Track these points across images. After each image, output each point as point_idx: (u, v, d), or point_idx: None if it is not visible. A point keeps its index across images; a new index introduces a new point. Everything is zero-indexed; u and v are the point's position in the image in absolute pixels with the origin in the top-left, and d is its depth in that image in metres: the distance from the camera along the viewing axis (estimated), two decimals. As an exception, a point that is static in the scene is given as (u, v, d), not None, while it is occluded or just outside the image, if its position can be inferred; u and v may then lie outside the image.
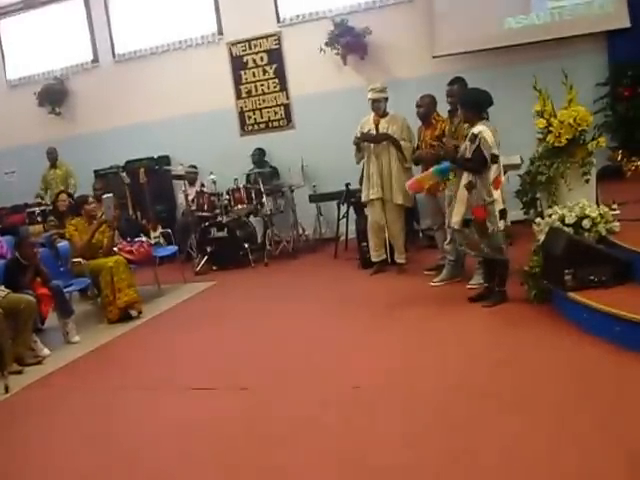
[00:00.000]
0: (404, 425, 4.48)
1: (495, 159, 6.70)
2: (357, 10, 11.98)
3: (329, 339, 6.69)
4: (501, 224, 6.75)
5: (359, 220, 9.86)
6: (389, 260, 9.18)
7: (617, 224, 6.60)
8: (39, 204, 12.04)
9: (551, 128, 7.00)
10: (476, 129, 6.71)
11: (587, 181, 7.01)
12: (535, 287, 6.69)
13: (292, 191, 11.54)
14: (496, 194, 6.69)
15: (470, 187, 6.74)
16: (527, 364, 5.30)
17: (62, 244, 8.91)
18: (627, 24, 10.45)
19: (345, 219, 10.80)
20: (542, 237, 6.70)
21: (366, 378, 5.45)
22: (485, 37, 11.13)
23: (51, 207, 11.06)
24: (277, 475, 4.08)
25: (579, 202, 6.71)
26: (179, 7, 13.15)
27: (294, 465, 4.16)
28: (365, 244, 9.42)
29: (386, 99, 8.87)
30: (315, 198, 11.61)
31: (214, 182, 11.12)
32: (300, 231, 11.78)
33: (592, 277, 5.98)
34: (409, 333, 6.50)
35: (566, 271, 6.01)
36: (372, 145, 8.80)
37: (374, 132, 8.79)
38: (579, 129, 6.95)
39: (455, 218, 6.91)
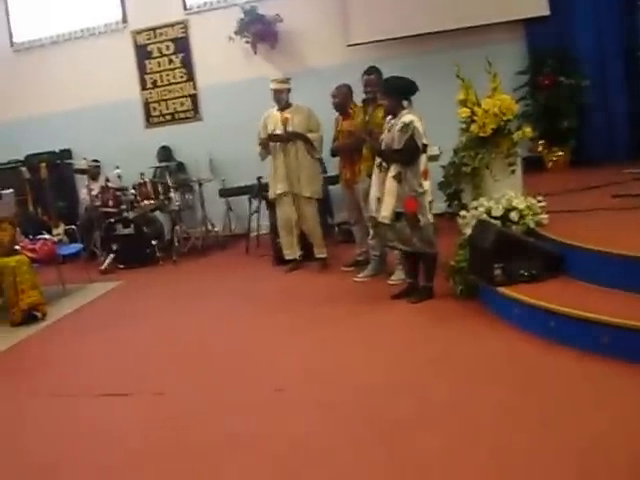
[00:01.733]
0: (328, 430, 4.34)
1: (424, 149, 6.65)
2: (268, -2, 11.72)
3: (248, 340, 6.50)
4: (430, 216, 6.70)
5: (272, 215, 9.66)
6: (302, 258, 9.08)
7: (545, 216, 6.57)
8: None
9: (475, 117, 6.93)
10: (406, 118, 6.61)
11: (513, 172, 6.96)
12: (462, 282, 6.63)
13: (200, 185, 11.23)
14: (426, 185, 6.63)
15: (400, 178, 6.63)
16: (459, 361, 5.22)
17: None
18: (546, 12, 10.53)
19: (257, 214, 10.62)
20: (468, 230, 6.65)
21: (289, 380, 5.30)
22: (401, 24, 11.01)
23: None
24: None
25: (505, 194, 6.69)
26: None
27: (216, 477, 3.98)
28: (279, 240, 9.24)
29: (288, 90, 8.78)
30: (225, 192, 11.38)
31: (119, 176, 10.82)
32: (210, 227, 11.52)
33: (522, 271, 5.93)
34: (334, 331, 6.35)
35: (495, 265, 5.95)
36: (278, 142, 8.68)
37: (280, 130, 8.65)
38: (504, 118, 6.91)
39: (385, 212, 6.76)
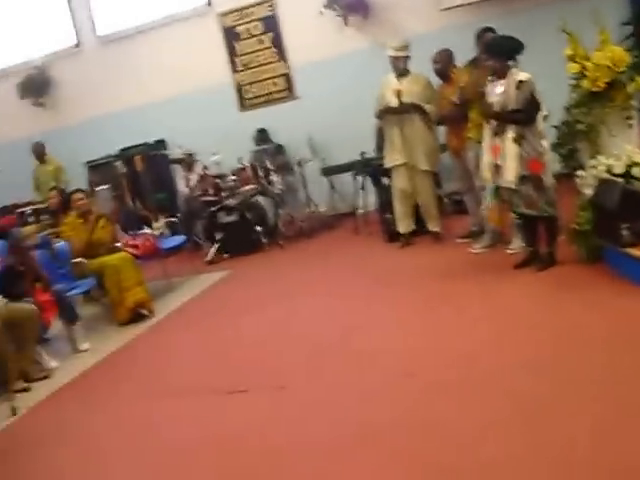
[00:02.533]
0: (475, 415, 4.12)
1: (541, 106, 6.52)
2: (356, -33, 11.58)
3: (369, 322, 6.38)
4: (551, 177, 6.59)
5: (380, 190, 9.57)
6: (414, 232, 8.97)
7: None
8: (29, 203, 11.70)
9: (586, 72, 6.68)
10: (522, 76, 6.50)
11: (630, 126, 6.71)
12: (586, 246, 6.44)
13: (301, 166, 11.26)
14: (544, 144, 6.45)
15: (520, 140, 6.46)
16: (596, 332, 4.99)
17: (60, 244, 8.58)
18: None
19: (362, 191, 10.48)
20: (588, 191, 6.42)
21: (418, 363, 5.13)
22: None
23: (44, 205, 10.71)
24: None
25: (625, 149, 6.42)
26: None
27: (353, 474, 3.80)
28: (389, 215, 9.17)
29: (407, 57, 8.59)
30: (328, 171, 11.34)
31: (218, 163, 10.84)
32: (314, 208, 11.51)
33: (651, 230, 5.69)
34: (457, 308, 6.21)
35: (622, 225, 5.78)
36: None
37: (396, 100, 8.51)
38: (617, 71, 6.62)
39: (510, 177, 6.59)
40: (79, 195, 8.63)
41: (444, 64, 8.19)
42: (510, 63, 6.60)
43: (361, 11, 11.53)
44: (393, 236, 9.17)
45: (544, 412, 3.95)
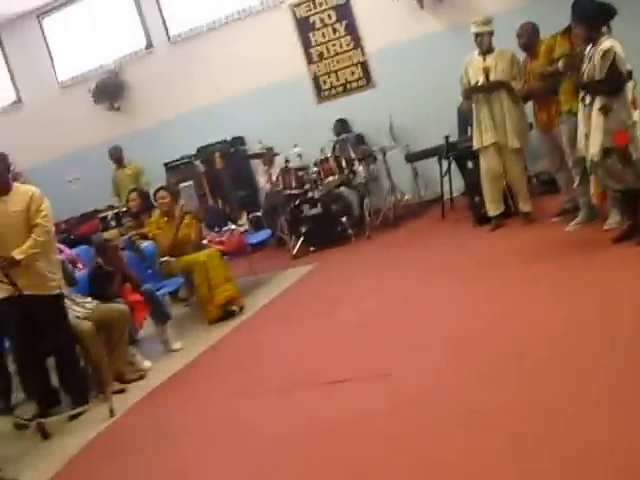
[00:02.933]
0: (583, 391, 3.93)
1: (630, 75, 6.16)
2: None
3: (467, 307, 6.18)
4: None
5: (467, 173, 9.43)
6: (504, 214, 8.77)
7: None
8: (111, 207, 11.76)
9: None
10: (605, 45, 6.27)
11: None
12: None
13: (384, 154, 11.15)
14: (636, 115, 6.20)
15: (606, 110, 6.24)
16: None
17: (145, 244, 8.58)
18: None
19: (447, 176, 10.30)
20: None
21: (527, 343, 4.92)
22: None
23: (125, 209, 10.72)
24: None
25: None
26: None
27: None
28: (478, 198, 9.01)
29: (491, 33, 8.41)
30: (411, 157, 11.20)
31: (299, 156, 10.76)
32: (399, 196, 11.38)
33: None
34: (560, 289, 5.97)
35: None
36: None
37: (482, 79, 8.34)
38: None
39: (593, 149, 6.43)
40: (163, 193, 8.62)
41: (529, 37, 8.03)
42: (603, 29, 6.34)
43: (437, -8, 11.33)
44: (482, 220, 9.00)
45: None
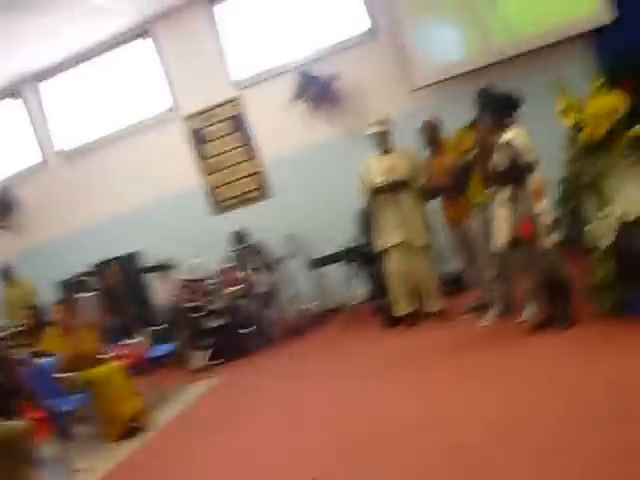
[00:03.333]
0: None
1: (534, 166, 6.33)
2: (320, 57, 11.73)
3: (393, 409, 5.97)
4: (554, 237, 6.40)
5: (372, 277, 9.38)
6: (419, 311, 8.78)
7: None
8: (2, 328, 11.36)
9: (584, 123, 6.63)
10: (509, 135, 6.46)
11: (636, 172, 6.66)
12: (610, 298, 6.21)
13: (284, 263, 11.08)
14: (542, 205, 6.31)
15: (512, 201, 6.31)
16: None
17: (45, 360, 8.23)
18: (610, 19, 10.29)
19: (352, 281, 10.33)
20: (605, 241, 6.25)
21: (460, 436, 4.79)
22: (465, 59, 10.99)
23: (20, 327, 10.36)
24: None
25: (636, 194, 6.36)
26: (125, 88, 12.85)
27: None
28: (386, 300, 8.95)
29: (389, 132, 8.62)
30: (314, 264, 11.05)
31: (200, 267, 10.59)
32: (302, 305, 11.27)
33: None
34: (488, 381, 5.90)
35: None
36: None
37: (385, 178, 8.47)
38: (617, 116, 6.59)
39: (500, 240, 6.48)
40: (59, 308, 8.34)
41: (431, 133, 8.19)
42: (508, 120, 6.52)
43: (330, 100, 11.52)
44: (393, 321, 8.92)
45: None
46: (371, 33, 11.57)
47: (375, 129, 8.54)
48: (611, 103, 6.65)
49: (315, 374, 8.11)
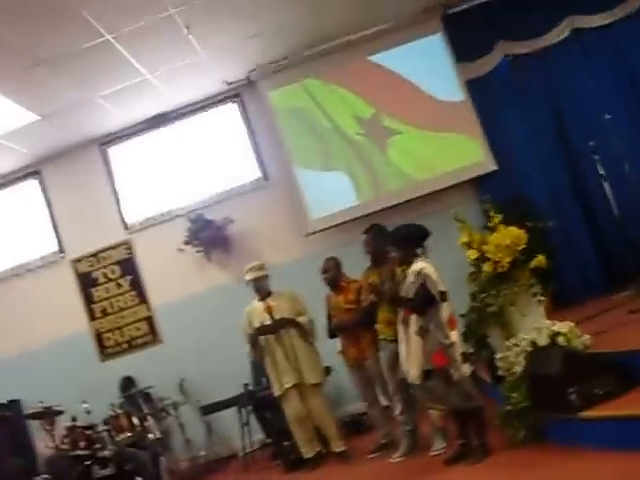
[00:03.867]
0: None
1: (444, 296, 6.46)
2: (213, 202, 11.95)
3: None
4: (466, 368, 6.49)
5: (272, 418, 9.28)
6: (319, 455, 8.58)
7: (588, 336, 6.50)
8: None
9: (488, 255, 6.89)
10: (417, 266, 6.56)
11: (539, 302, 7.02)
12: (523, 426, 6.30)
13: (176, 409, 10.78)
14: (454, 335, 6.46)
15: (423, 332, 6.45)
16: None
17: None
18: (495, 167, 11.28)
19: (247, 427, 10.16)
20: (517, 368, 6.41)
21: None
22: (358, 204, 11.57)
23: None
24: None
25: (541, 323, 6.69)
26: (10, 230, 12.62)
27: None
28: (287, 443, 8.84)
29: (266, 276, 8.68)
30: (207, 410, 10.82)
31: (88, 412, 10.24)
32: (195, 453, 10.95)
33: (597, 390, 5.74)
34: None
35: (569, 390, 5.75)
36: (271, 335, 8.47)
37: (267, 321, 8.45)
38: (518, 249, 6.88)
39: (413, 372, 6.56)
40: None
41: (333, 272, 8.31)
42: (418, 251, 6.69)
43: (222, 245, 11.60)
44: (295, 464, 8.71)
45: None
46: (264, 180, 11.88)
47: (253, 275, 8.60)
48: (512, 236, 6.91)
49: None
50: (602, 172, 9.09)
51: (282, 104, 11.75)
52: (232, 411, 10.43)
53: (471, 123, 11.38)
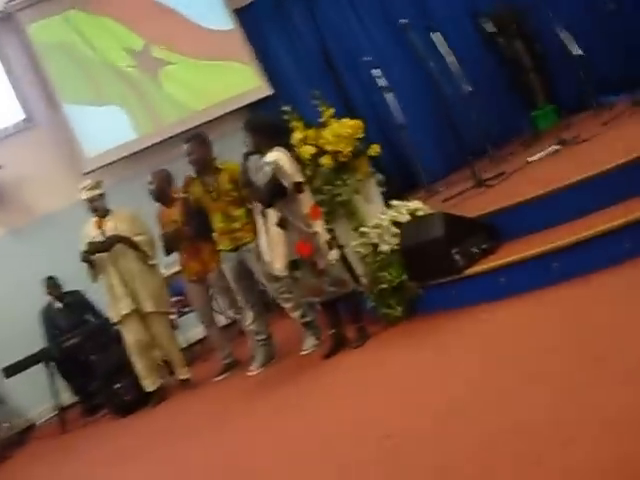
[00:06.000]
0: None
1: (300, 187, 6.56)
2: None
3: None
4: (333, 254, 6.61)
5: (98, 360, 9.10)
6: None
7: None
8: None
9: (327, 147, 7.02)
10: (271, 156, 6.56)
11: (381, 191, 7.45)
12: (402, 301, 6.63)
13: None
14: (317, 225, 6.55)
15: (283, 224, 6.53)
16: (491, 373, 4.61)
17: None
18: (269, 92, 11.99)
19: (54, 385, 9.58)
20: (385, 247, 6.70)
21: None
22: (136, 138, 11.63)
23: None
24: None
25: (391, 205, 7.09)
26: None
27: None
28: (119, 385, 8.61)
29: (102, 195, 8.42)
30: (11, 371, 9.75)
31: None
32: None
33: (474, 249, 6.23)
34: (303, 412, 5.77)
35: (453, 251, 6.14)
36: (105, 254, 8.22)
37: (99, 238, 8.22)
38: (357, 137, 7.13)
39: (277, 264, 6.63)
40: None
41: (160, 184, 8.16)
42: (276, 142, 6.69)
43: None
44: (130, 406, 8.55)
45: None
46: (28, 122, 11.49)
47: (88, 194, 8.30)
48: (349, 127, 7.14)
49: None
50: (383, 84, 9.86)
51: (44, 38, 11.36)
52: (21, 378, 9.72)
53: (243, 51, 11.89)
